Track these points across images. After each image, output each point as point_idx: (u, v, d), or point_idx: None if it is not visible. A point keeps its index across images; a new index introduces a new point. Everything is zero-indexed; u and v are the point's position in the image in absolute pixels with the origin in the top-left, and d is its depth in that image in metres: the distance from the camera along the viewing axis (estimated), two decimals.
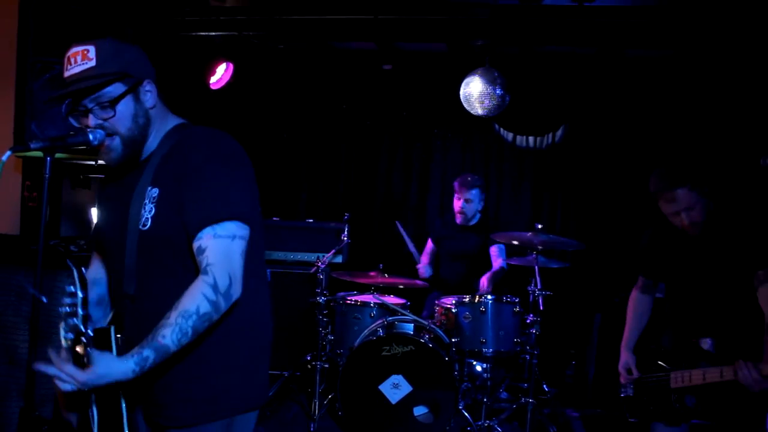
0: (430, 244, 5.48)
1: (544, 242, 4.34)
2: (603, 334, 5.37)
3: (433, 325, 4.48)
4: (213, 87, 5.24)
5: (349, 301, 4.64)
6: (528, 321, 4.33)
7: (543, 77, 5.87)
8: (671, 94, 5.65)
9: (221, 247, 1.84)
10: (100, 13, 3.80)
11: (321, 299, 4.60)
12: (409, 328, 4.46)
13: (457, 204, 5.14)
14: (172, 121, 2.08)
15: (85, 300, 1.79)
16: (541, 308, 4.25)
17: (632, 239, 5.73)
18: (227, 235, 1.86)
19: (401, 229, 5.33)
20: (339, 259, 5.32)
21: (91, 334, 1.81)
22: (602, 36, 4.84)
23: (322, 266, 4.65)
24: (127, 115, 1.94)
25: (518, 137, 6.13)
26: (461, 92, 5.34)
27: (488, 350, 4.33)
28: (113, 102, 1.91)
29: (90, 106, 1.92)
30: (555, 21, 4.65)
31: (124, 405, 1.91)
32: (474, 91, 5.25)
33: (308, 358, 5.08)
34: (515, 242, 4.55)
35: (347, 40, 5.61)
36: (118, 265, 1.99)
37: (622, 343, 3.36)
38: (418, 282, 5.03)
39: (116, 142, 1.94)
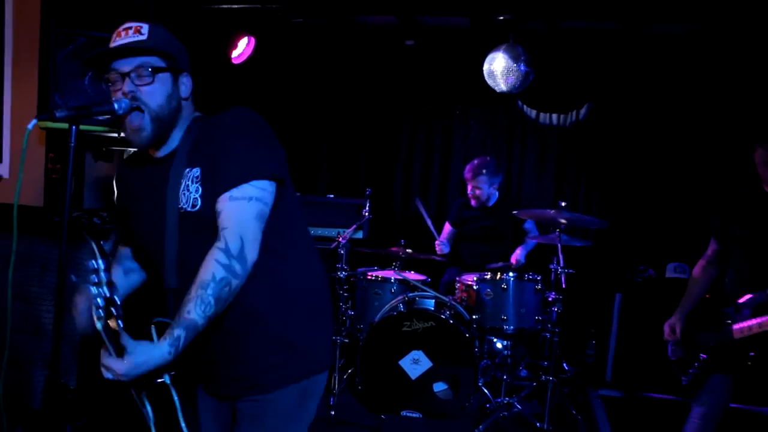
0: (447, 227, 5.44)
1: (567, 220, 4.30)
2: (624, 313, 5.34)
3: (453, 302, 4.47)
4: (235, 61, 5.21)
5: (369, 277, 4.64)
6: (550, 299, 4.30)
7: (567, 54, 5.78)
8: (697, 71, 5.53)
9: (234, 209, 1.84)
10: None
11: (341, 274, 4.60)
12: (430, 304, 4.46)
13: (468, 190, 5.16)
14: (194, 114, 2.08)
15: (108, 266, 1.75)
16: (564, 286, 4.22)
17: (656, 218, 5.72)
18: (242, 197, 1.85)
19: (420, 206, 5.30)
20: (360, 234, 5.31)
21: (119, 302, 1.77)
22: (628, 11, 4.75)
23: (343, 241, 4.64)
24: (161, 90, 1.93)
25: (542, 115, 6.06)
26: (485, 68, 5.28)
27: (509, 327, 4.32)
28: (155, 70, 1.92)
29: (128, 69, 1.91)
30: None
31: (176, 398, 1.90)
32: (498, 68, 5.19)
33: None
34: (538, 219, 4.52)
35: (369, 13, 5.55)
36: (158, 260, 2.00)
37: (679, 308, 3.44)
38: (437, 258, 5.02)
39: (146, 119, 1.92)
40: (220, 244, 1.81)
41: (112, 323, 1.72)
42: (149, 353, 1.73)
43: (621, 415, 4.75)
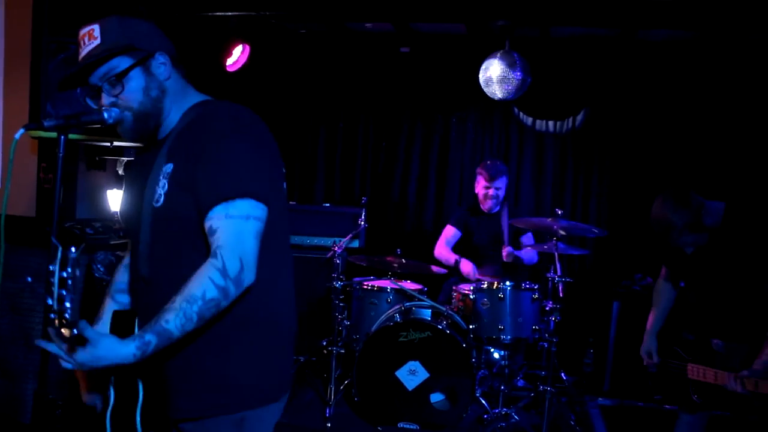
0: (452, 231, 5.22)
1: (564, 228, 4.27)
2: (622, 322, 5.30)
3: (450, 311, 4.43)
4: (229, 69, 5.18)
5: (365, 287, 4.60)
6: (547, 308, 4.26)
7: (563, 61, 5.76)
8: (693, 77, 5.53)
9: (233, 227, 1.72)
10: None
11: (337, 284, 4.56)
12: (427, 313, 4.41)
13: (487, 192, 4.99)
14: (195, 97, 1.99)
15: (63, 280, 1.67)
16: (561, 295, 4.18)
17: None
18: (240, 215, 1.73)
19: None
20: (356, 243, 5.27)
21: (68, 314, 1.67)
22: (624, 17, 4.73)
23: (339, 251, 4.60)
24: (137, 88, 1.86)
25: (538, 121, 6.02)
26: (481, 75, 5.25)
27: (506, 337, 4.29)
28: (120, 76, 1.85)
29: (100, 84, 1.87)
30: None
31: (141, 390, 1.83)
32: (494, 75, 5.16)
33: (324, 343, 5.05)
34: (535, 228, 4.49)
35: (364, 20, 5.52)
36: (136, 245, 1.93)
37: (647, 329, 3.45)
38: (434, 268, 4.96)
39: (127, 114, 1.87)
40: (216, 262, 1.69)
41: (65, 332, 1.63)
42: (113, 349, 1.64)
43: (619, 424, 4.71)
